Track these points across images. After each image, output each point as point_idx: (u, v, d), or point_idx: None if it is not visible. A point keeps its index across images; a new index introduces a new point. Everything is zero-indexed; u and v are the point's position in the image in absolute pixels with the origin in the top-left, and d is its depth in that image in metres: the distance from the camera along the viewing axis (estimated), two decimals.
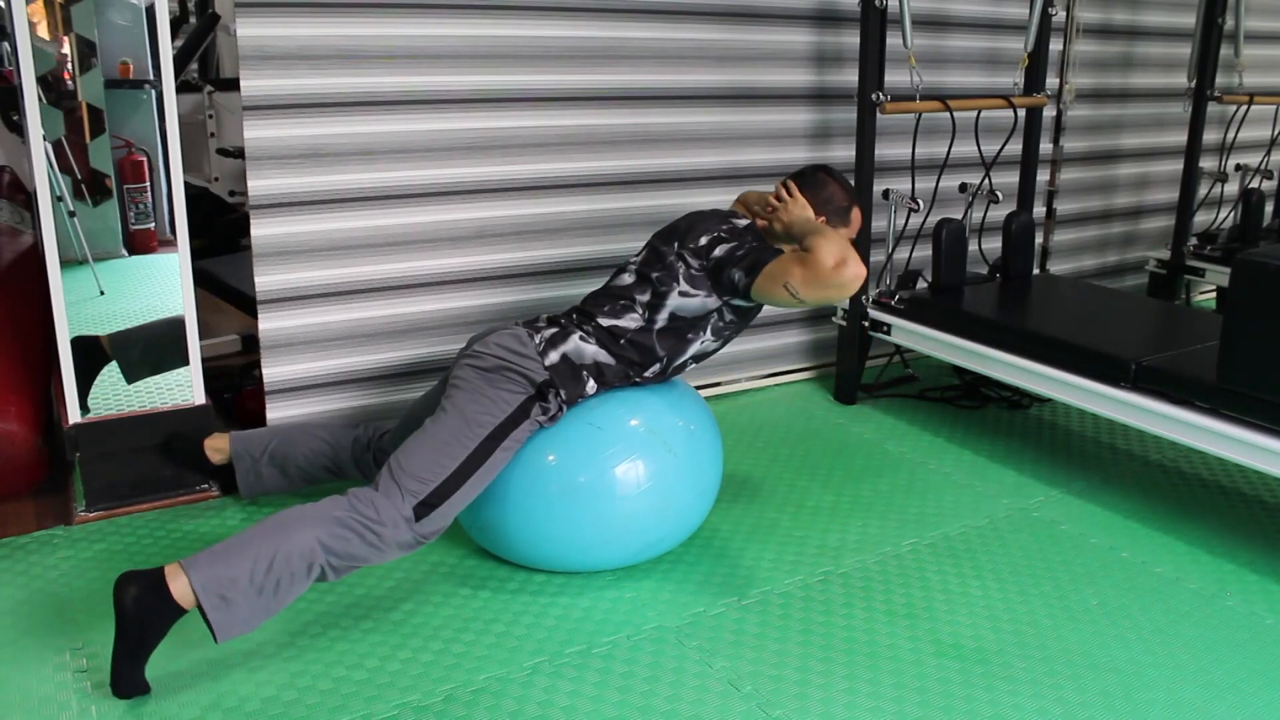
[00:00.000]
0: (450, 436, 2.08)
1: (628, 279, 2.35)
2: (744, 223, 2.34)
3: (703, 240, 2.27)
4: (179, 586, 1.83)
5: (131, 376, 2.64)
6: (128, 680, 1.84)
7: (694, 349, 2.32)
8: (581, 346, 2.22)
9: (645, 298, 2.28)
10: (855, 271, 2.04)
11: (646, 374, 2.30)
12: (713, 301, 2.26)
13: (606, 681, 1.94)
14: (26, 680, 1.91)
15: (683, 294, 2.25)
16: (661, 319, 2.27)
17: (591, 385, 2.22)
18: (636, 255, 2.41)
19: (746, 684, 1.95)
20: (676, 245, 2.30)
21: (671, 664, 2.00)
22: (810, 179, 2.44)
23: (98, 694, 1.86)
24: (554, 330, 2.24)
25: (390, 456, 2.09)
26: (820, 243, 2.07)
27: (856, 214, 2.48)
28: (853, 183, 3.29)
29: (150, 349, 2.69)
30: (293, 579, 1.89)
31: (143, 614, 1.82)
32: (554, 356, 2.19)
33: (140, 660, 1.85)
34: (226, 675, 1.93)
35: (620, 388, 2.29)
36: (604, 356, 2.24)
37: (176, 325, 2.61)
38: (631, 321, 2.27)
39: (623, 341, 2.25)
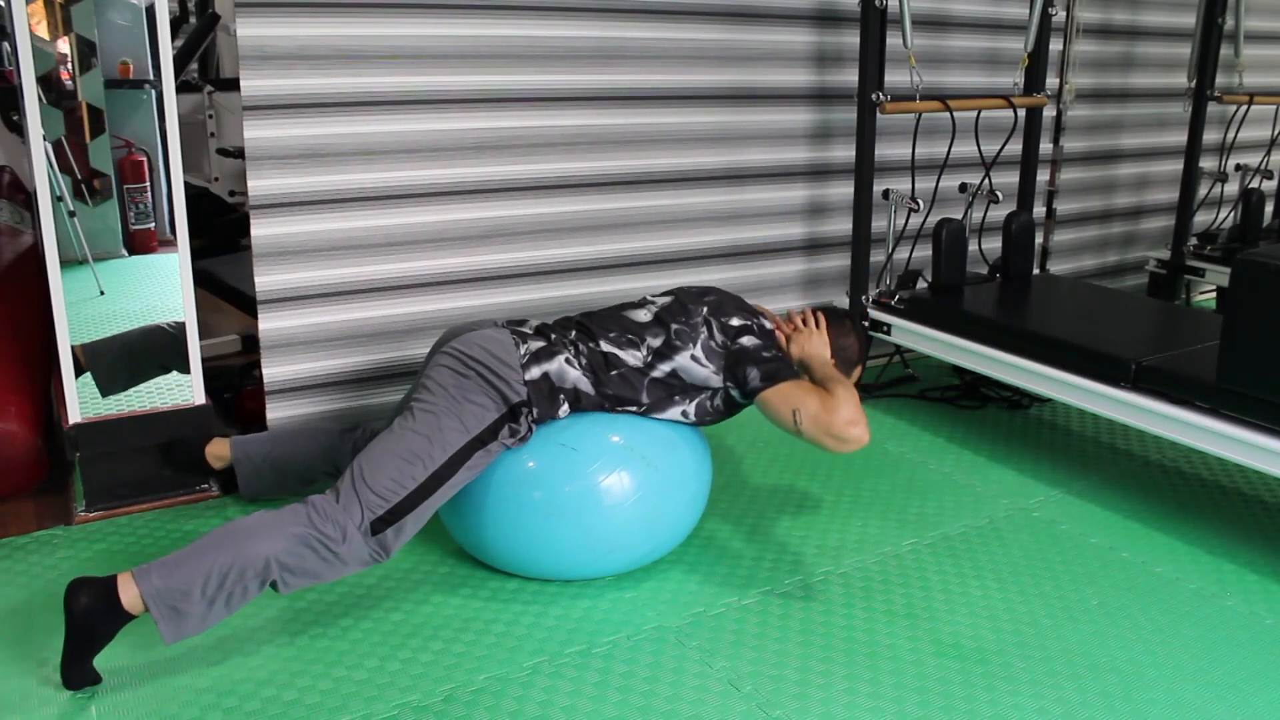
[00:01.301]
0: (415, 453, 2.03)
1: (644, 316, 2.30)
2: (770, 326, 2.34)
3: (735, 321, 2.27)
4: (129, 596, 1.83)
5: (105, 389, 2.60)
6: (77, 675, 1.86)
7: (673, 413, 2.26)
8: (565, 370, 2.17)
9: (657, 343, 2.24)
10: (862, 436, 2.06)
11: (618, 411, 2.24)
12: (716, 381, 2.24)
13: (606, 681, 1.94)
14: (26, 681, 1.91)
15: (694, 358, 2.22)
16: (662, 370, 2.23)
17: (565, 409, 2.18)
18: (655, 296, 2.37)
19: (746, 684, 1.95)
20: (706, 311, 2.28)
21: (671, 664, 2.00)
22: (836, 321, 2.43)
23: (98, 696, 1.86)
24: (541, 344, 2.18)
25: (355, 460, 2.04)
26: (844, 394, 2.07)
27: (859, 371, 2.48)
28: (853, 184, 3.32)
29: (123, 361, 2.65)
30: (245, 592, 1.89)
31: (92, 621, 1.83)
32: (535, 372, 2.14)
33: (88, 659, 1.86)
34: (226, 675, 1.93)
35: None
36: (585, 385, 2.18)
37: (151, 335, 2.58)
38: (631, 358, 2.23)
39: (613, 373, 2.20)
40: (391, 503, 1.99)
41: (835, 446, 2.07)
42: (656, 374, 2.23)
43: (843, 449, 2.08)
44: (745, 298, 2.42)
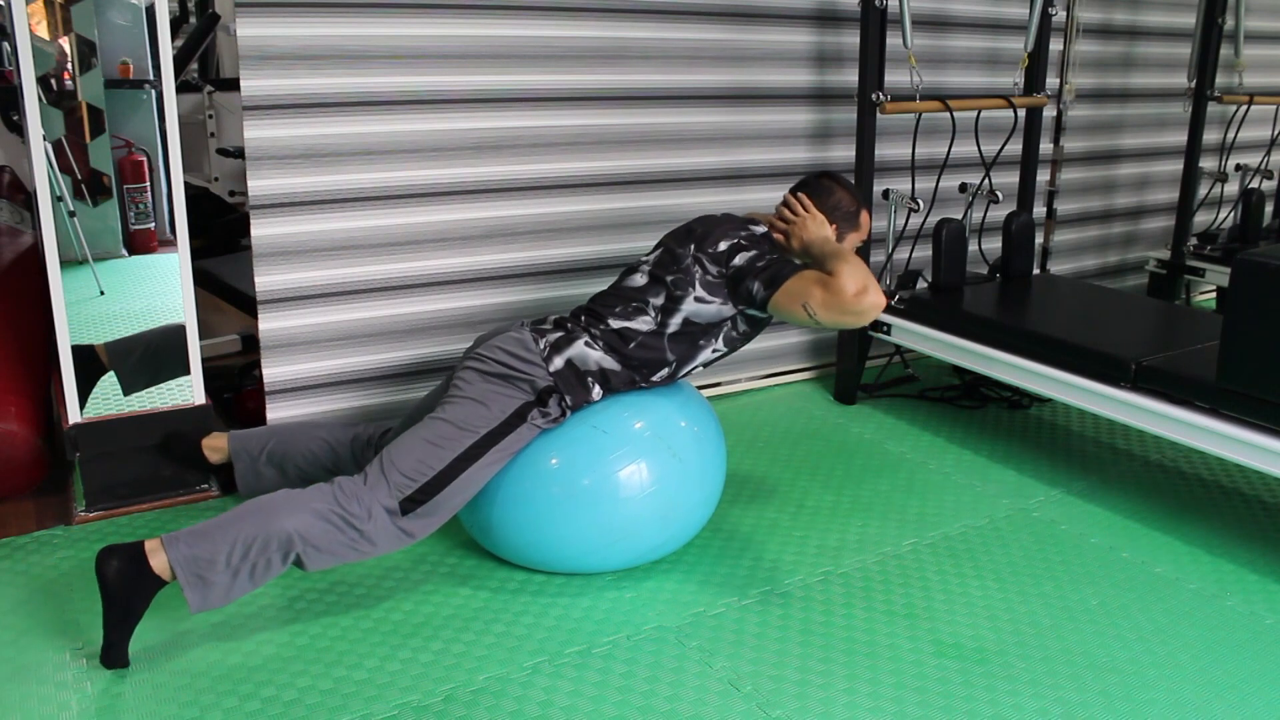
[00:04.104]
0: (442, 437, 2.08)
1: (640, 280, 2.31)
2: (761, 230, 2.33)
3: (722, 246, 2.25)
4: (158, 561, 1.89)
5: (128, 388, 2.63)
6: (118, 651, 1.90)
7: (704, 355, 2.30)
8: (586, 352, 2.20)
9: (659, 300, 2.25)
10: (875, 300, 2.05)
11: (654, 379, 2.28)
12: (728, 309, 2.24)
13: (606, 681, 1.94)
14: (26, 680, 1.91)
15: (698, 299, 2.23)
16: (675, 323, 2.24)
17: (597, 391, 2.21)
18: (648, 255, 2.38)
19: (746, 684, 1.95)
20: (693, 248, 2.28)
21: (671, 664, 2.00)
22: (817, 188, 2.41)
23: (98, 694, 1.86)
24: (559, 334, 2.22)
25: (383, 451, 2.09)
26: (844, 268, 2.07)
27: (865, 217, 2.46)
28: (854, 181, 3.32)
29: (146, 359, 2.67)
30: (269, 565, 1.93)
31: (125, 585, 1.88)
32: (559, 362, 2.17)
33: (129, 629, 1.91)
34: (227, 675, 1.93)
35: (626, 392, 2.28)
36: (609, 363, 2.22)
37: (173, 334, 2.59)
38: (643, 324, 2.24)
39: (632, 345, 2.23)
40: (419, 482, 2.03)
41: (855, 321, 2.09)
42: (672, 329, 2.25)
43: (864, 320, 2.09)
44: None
